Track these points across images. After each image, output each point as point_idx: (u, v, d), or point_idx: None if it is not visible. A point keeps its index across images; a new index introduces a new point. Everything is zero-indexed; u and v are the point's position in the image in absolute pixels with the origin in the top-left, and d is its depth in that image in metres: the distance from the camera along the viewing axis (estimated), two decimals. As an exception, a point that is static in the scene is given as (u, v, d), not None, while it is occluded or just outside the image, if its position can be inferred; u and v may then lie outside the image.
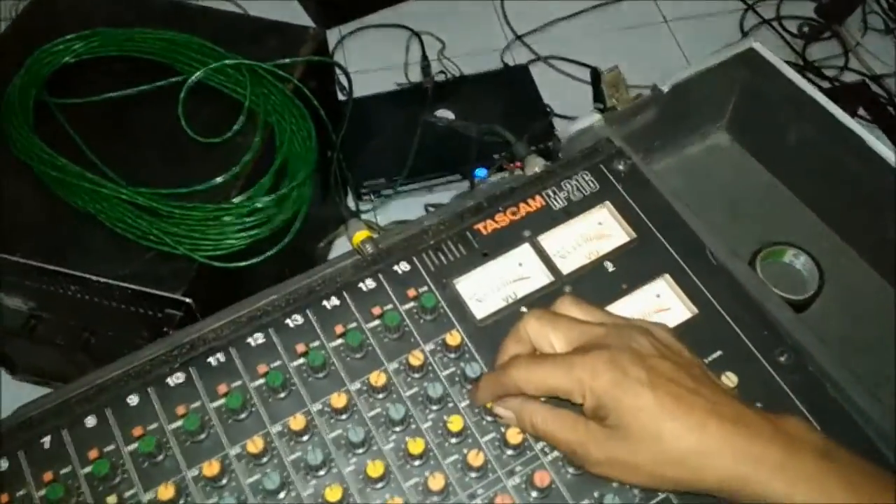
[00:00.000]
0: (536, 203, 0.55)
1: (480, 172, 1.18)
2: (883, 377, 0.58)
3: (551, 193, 0.56)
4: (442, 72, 1.34)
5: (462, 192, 1.19)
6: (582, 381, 0.43)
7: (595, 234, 0.55)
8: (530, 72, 1.34)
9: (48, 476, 0.45)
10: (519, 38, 1.43)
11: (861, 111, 1.17)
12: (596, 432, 0.44)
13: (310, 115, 0.89)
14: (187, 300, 0.76)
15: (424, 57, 1.35)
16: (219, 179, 0.82)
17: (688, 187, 0.67)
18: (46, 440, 0.47)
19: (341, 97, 1.13)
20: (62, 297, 0.83)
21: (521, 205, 0.55)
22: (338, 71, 1.09)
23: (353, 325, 0.50)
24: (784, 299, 0.55)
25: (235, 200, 0.82)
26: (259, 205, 0.82)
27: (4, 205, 0.82)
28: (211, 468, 0.45)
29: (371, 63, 1.38)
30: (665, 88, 0.64)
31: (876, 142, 0.61)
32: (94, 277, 0.78)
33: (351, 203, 1.18)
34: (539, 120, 1.21)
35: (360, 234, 0.57)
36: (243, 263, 0.80)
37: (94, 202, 0.82)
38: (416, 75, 1.35)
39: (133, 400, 0.48)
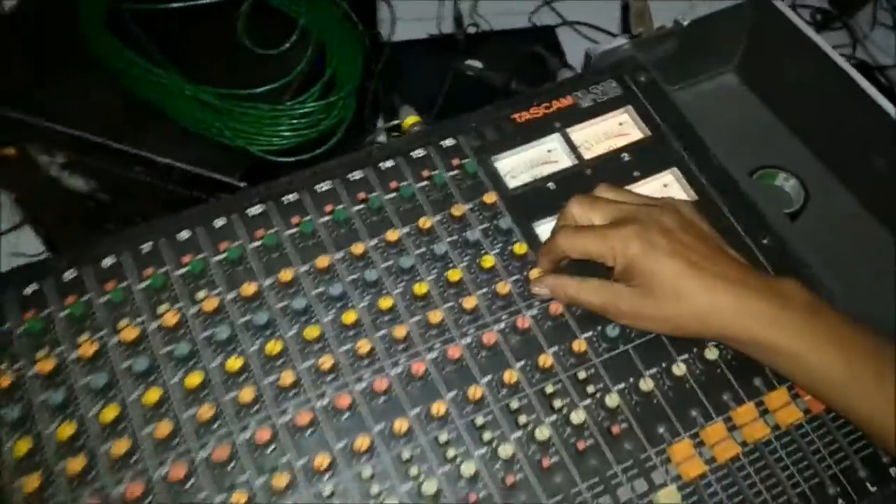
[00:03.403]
0: (567, 101, 0.64)
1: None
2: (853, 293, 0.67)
3: (580, 95, 0.65)
4: (473, 24, 1.42)
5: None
6: (614, 248, 0.52)
7: (616, 131, 0.64)
8: (556, 34, 1.42)
9: (148, 272, 0.55)
10: (548, 3, 1.52)
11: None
12: (622, 291, 0.53)
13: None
14: (242, 185, 0.85)
15: (457, 10, 1.44)
16: (275, 84, 0.91)
17: (695, 119, 0.75)
18: (146, 246, 0.56)
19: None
20: (123, 179, 0.92)
21: (554, 101, 0.64)
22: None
23: (406, 182, 0.60)
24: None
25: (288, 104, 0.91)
26: (309, 109, 0.90)
27: (80, 92, 0.91)
28: (286, 275, 0.54)
29: (403, 13, 1.46)
30: (685, 23, 0.72)
31: (867, 84, 0.70)
32: (159, 158, 0.87)
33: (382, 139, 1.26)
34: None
35: (411, 119, 0.67)
36: (292, 159, 0.89)
37: (161, 96, 0.90)
38: (448, 29, 1.43)
39: (219, 223, 0.57)
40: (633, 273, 0.52)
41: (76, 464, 0.48)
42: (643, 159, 0.62)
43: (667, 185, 0.62)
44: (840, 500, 0.50)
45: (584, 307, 0.55)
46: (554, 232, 0.56)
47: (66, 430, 0.49)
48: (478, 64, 1.37)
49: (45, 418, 0.50)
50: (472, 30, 1.42)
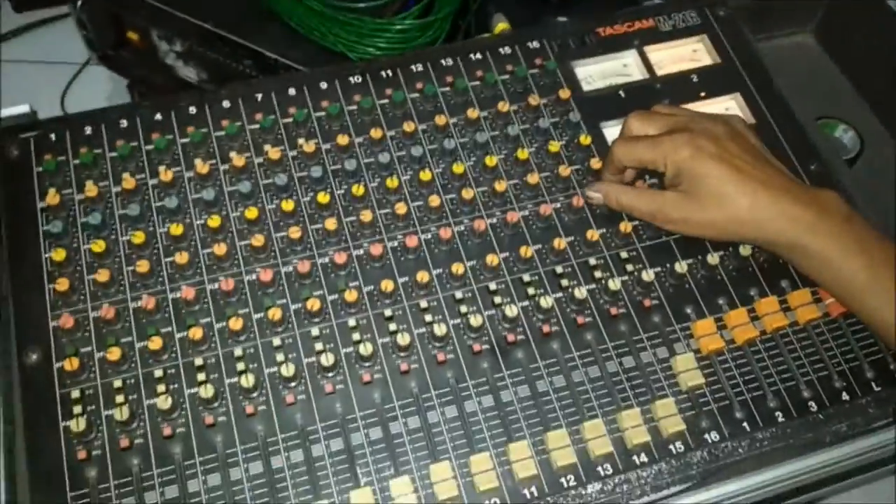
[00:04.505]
0: (648, 23, 0.70)
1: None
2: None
3: (662, 19, 0.70)
4: (569, -18, 1.47)
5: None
6: (666, 154, 0.57)
7: (689, 56, 0.70)
8: None
9: (258, 116, 0.63)
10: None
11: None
12: (672, 197, 0.57)
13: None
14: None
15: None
16: (379, 2, 0.98)
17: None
18: (259, 95, 0.64)
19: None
20: (231, 72, 1.01)
21: (637, 22, 0.70)
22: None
23: (490, 73, 0.66)
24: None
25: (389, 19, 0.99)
26: (407, 26, 0.98)
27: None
28: (376, 133, 0.62)
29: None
30: (770, -27, 0.77)
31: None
32: (268, 53, 0.95)
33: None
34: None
35: (501, 26, 0.73)
36: (385, 68, 0.96)
37: (280, 1, 0.99)
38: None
39: (323, 85, 0.65)
40: (682, 177, 0.57)
41: (181, 257, 0.56)
42: (710, 82, 0.68)
43: (728, 108, 0.67)
44: (844, 394, 0.55)
45: (634, 214, 0.60)
46: (613, 144, 0.62)
47: (176, 229, 0.57)
48: (566, 21, 1.42)
49: (159, 220, 0.59)
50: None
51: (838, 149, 0.76)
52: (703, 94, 0.67)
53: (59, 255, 0.56)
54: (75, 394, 0.52)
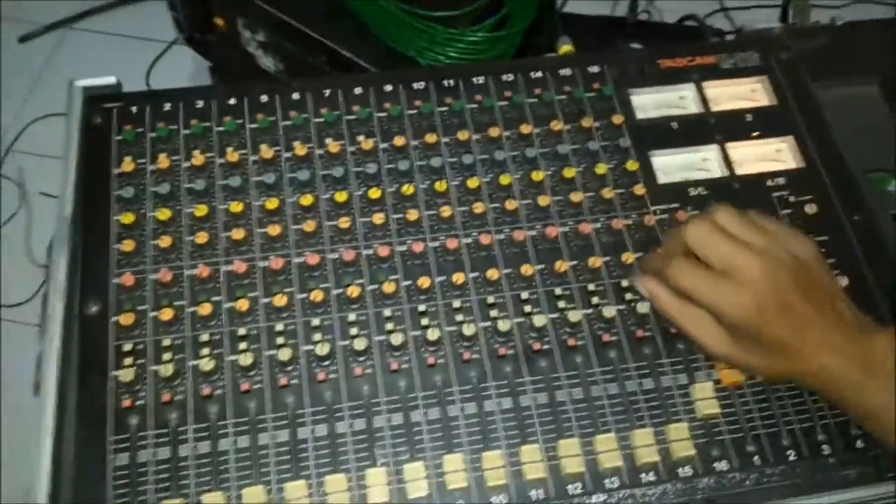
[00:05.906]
0: (709, 60, 0.72)
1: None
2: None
3: (723, 57, 0.72)
4: (646, 11, 1.48)
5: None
6: (723, 302, 0.53)
7: (746, 95, 0.71)
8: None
9: (324, 110, 0.67)
10: (724, 9, 1.56)
11: None
12: (721, 336, 0.55)
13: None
14: (405, 87, 0.96)
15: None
16: (454, 12, 1.02)
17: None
18: (327, 91, 0.68)
19: None
20: (306, 66, 1.06)
21: (698, 57, 0.72)
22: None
23: (548, 91, 0.69)
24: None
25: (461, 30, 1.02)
26: (479, 38, 1.01)
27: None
28: (430, 138, 0.65)
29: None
30: (840, 22, 0.77)
31: None
32: (344, 52, 1.00)
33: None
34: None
35: (566, 48, 0.76)
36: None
37: (358, 2, 1.04)
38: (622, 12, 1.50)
39: (387, 87, 0.69)
40: (739, 331, 0.54)
41: (238, 234, 0.60)
42: (764, 123, 0.69)
43: (779, 150, 0.68)
44: (859, 441, 0.55)
45: (675, 327, 0.58)
46: (668, 250, 0.58)
47: (236, 207, 0.61)
48: (639, 47, 1.43)
49: (222, 197, 0.63)
50: (643, 16, 1.48)
51: (889, 203, 0.75)
52: (755, 133, 0.68)
53: (127, 218, 0.61)
54: (127, 347, 0.57)
